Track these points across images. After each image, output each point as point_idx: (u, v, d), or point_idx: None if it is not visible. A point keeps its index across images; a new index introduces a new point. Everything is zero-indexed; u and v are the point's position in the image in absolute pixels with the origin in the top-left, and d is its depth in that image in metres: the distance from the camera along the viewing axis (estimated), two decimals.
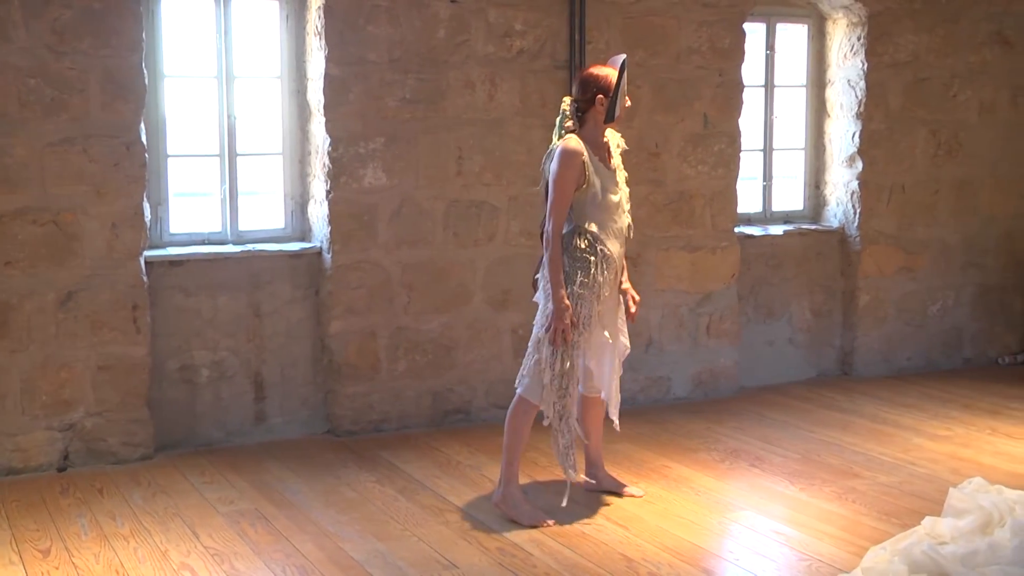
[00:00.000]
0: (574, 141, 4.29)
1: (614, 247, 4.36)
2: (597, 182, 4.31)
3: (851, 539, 4.15)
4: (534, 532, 4.22)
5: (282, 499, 4.61)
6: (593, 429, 4.61)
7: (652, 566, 3.91)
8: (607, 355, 4.45)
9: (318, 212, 5.51)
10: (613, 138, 4.48)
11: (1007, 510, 4.04)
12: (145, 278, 5.11)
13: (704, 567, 3.95)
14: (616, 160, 4.45)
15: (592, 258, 4.30)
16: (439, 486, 4.76)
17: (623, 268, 4.49)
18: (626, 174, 4.48)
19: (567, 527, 4.28)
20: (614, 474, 4.76)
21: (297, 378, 5.52)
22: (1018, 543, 3.65)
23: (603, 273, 4.32)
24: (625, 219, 4.43)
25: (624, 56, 4.38)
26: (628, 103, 4.43)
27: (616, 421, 4.55)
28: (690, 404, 6.12)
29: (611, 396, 4.49)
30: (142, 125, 5.08)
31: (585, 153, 4.28)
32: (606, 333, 4.40)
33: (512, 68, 5.66)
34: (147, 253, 5.16)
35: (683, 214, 6.11)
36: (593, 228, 4.31)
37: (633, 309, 4.54)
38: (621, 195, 4.42)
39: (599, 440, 4.67)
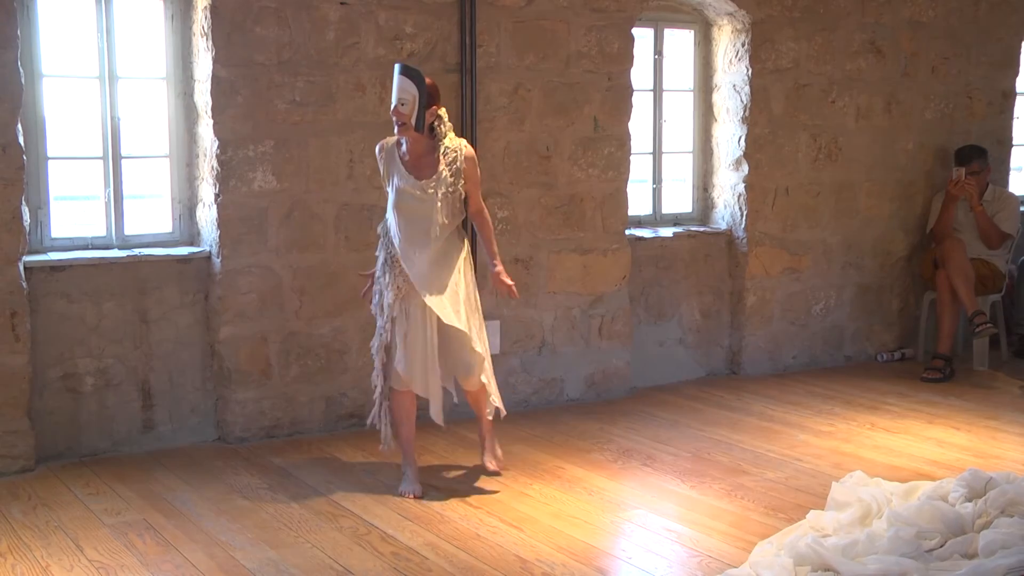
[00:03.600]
0: (388, 138, 4.69)
1: (409, 249, 4.60)
2: (396, 182, 4.61)
3: (740, 534, 4.24)
4: (428, 535, 4.22)
5: (171, 509, 4.51)
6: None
7: (546, 566, 3.94)
8: (419, 348, 4.63)
9: (207, 216, 5.41)
10: (460, 151, 4.64)
11: (885, 501, 4.20)
12: (24, 284, 4.95)
13: (598, 566, 3.99)
14: (443, 170, 4.59)
15: (387, 248, 4.67)
16: (333, 491, 4.72)
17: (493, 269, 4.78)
18: (451, 188, 4.60)
19: (461, 530, 4.29)
20: (507, 471, 4.88)
21: (186, 385, 5.41)
22: (893, 533, 3.79)
23: (391, 270, 4.64)
24: (433, 230, 4.59)
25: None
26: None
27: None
28: (583, 405, 6.18)
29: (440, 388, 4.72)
30: (19, 126, 4.91)
31: (385, 151, 4.67)
32: (428, 329, 4.61)
33: None
34: (26, 258, 5.00)
35: (574, 217, 6.17)
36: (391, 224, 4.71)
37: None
38: (427, 204, 4.57)
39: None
